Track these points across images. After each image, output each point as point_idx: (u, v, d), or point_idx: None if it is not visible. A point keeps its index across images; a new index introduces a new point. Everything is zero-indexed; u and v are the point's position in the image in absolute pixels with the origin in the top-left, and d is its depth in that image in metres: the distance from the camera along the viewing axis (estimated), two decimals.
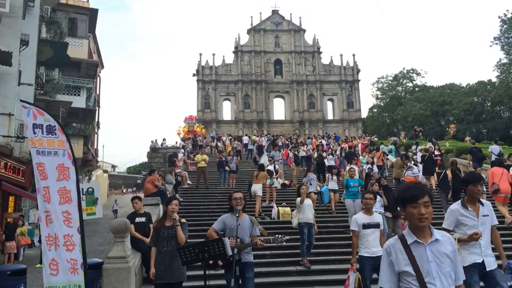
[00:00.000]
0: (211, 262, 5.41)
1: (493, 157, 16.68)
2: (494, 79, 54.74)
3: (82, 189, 10.54)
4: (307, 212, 9.39)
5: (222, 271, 5.64)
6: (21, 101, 6.41)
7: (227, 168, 18.33)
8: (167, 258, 5.88)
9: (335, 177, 14.49)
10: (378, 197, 10.28)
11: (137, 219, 8.34)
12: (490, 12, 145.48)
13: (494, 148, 17.31)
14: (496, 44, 51.57)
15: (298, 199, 9.65)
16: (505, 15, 49.54)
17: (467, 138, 32.73)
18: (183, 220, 6.27)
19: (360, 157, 21.18)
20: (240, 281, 5.58)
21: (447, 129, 40.42)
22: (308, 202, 9.53)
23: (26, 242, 16.54)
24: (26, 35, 17.01)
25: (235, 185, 18.27)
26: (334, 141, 32.05)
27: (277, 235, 5.64)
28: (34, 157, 5.98)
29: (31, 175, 17.55)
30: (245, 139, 33.11)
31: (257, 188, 13.43)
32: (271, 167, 15.21)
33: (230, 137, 36.52)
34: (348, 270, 9.39)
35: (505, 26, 49.54)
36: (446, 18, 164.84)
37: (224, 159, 18.89)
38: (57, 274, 5.74)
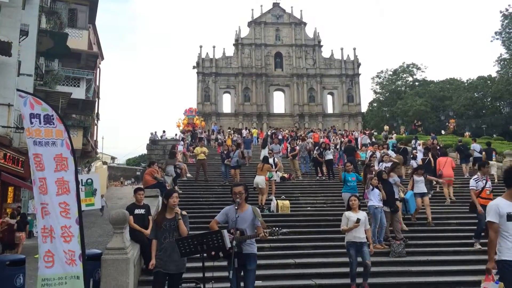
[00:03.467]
0: (213, 253, 5.41)
1: (475, 154, 18.64)
2: (494, 74, 54.71)
3: (81, 180, 10.54)
4: (356, 229, 7.84)
5: (222, 263, 5.64)
6: (18, 90, 6.31)
7: (226, 162, 17.64)
8: (169, 249, 5.92)
9: (421, 177, 12.09)
10: (377, 190, 10.29)
11: (137, 211, 8.36)
12: (491, 7, 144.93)
13: (476, 146, 19.19)
14: (497, 39, 51.50)
15: (348, 213, 8.01)
16: (507, 9, 49.38)
17: (467, 133, 32.82)
18: (184, 212, 6.31)
19: (359, 152, 21.15)
20: (242, 273, 5.59)
21: (447, 124, 40.44)
22: (360, 215, 7.98)
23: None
24: (26, 25, 16.92)
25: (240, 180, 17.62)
26: (334, 135, 31.97)
27: (274, 228, 5.64)
28: (31, 148, 5.86)
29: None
30: (244, 133, 32.99)
31: (259, 180, 13.39)
32: (270, 161, 15.18)
33: (229, 130, 36.46)
34: (347, 263, 9.39)
35: (506, 21, 49.38)
36: (447, 12, 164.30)
37: (225, 152, 18.09)
38: (52, 266, 5.70)
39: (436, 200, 14.14)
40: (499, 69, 51.94)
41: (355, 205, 8.10)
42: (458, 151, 19.62)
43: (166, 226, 6.04)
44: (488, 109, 53.06)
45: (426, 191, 12.10)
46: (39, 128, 5.85)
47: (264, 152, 18.31)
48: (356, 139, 28.29)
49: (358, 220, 7.78)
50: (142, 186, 10.81)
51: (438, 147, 19.29)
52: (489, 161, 17.22)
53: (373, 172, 11.51)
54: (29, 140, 5.88)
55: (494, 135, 38.03)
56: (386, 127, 36.21)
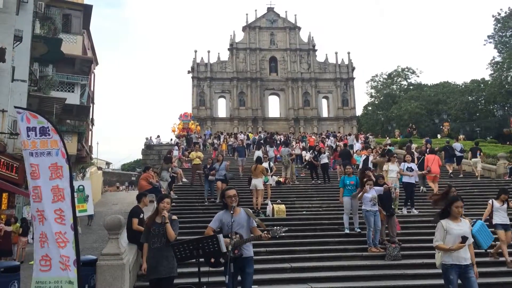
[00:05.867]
0: (213, 260, 5.41)
1: (456, 153, 19.87)
2: (487, 78, 55.06)
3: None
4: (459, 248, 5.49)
5: (218, 268, 5.63)
6: (15, 107, 6.60)
7: (210, 177, 14.59)
8: (157, 255, 5.99)
9: (504, 205, 9.49)
10: (368, 195, 10.19)
11: (142, 215, 8.36)
12: (484, 11, 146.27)
13: (456, 145, 20.27)
14: (490, 42, 52.07)
15: (447, 223, 5.61)
16: (499, 14, 49.92)
17: (461, 136, 32.99)
18: (174, 216, 6.34)
19: (355, 156, 21.16)
20: (240, 277, 5.59)
21: (441, 127, 40.66)
22: (463, 226, 5.61)
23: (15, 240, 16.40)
24: (19, 31, 16.89)
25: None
26: (324, 138, 31.95)
27: (275, 227, 5.64)
28: (26, 159, 6.11)
29: (25, 172, 17.49)
30: (240, 137, 32.90)
31: (257, 182, 13.29)
32: (265, 164, 15.13)
33: (222, 134, 36.21)
34: (343, 266, 9.38)
35: (498, 25, 49.89)
36: (441, 17, 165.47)
37: (208, 166, 15.09)
38: (49, 269, 5.84)
39: (424, 198, 14.14)
40: (492, 72, 52.31)
41: (456, 212, 5.57)
42: (444, 150, 20.46)
43: (155, 231, 6.11)
44: (482, 112, 53.34)
45: (509, 222, 9.46)
46: (35, 140, 6.09)
47: (258, 153, 18.17)
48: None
49: (464, 240, 5.38)
50: (145, 192, 10.67)
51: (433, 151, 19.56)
52: (473, 159, 19.56)
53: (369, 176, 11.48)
54: (25, 152, 6.13)
55: (488, 138, 38.25)
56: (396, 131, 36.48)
